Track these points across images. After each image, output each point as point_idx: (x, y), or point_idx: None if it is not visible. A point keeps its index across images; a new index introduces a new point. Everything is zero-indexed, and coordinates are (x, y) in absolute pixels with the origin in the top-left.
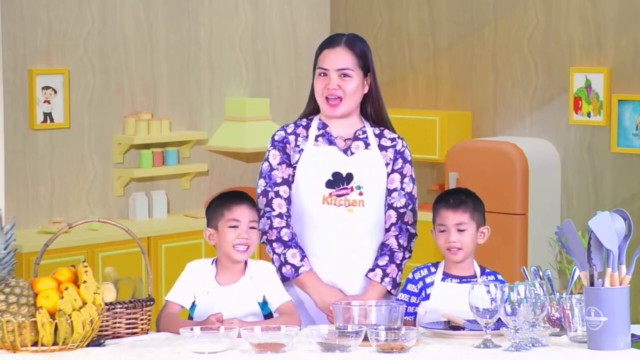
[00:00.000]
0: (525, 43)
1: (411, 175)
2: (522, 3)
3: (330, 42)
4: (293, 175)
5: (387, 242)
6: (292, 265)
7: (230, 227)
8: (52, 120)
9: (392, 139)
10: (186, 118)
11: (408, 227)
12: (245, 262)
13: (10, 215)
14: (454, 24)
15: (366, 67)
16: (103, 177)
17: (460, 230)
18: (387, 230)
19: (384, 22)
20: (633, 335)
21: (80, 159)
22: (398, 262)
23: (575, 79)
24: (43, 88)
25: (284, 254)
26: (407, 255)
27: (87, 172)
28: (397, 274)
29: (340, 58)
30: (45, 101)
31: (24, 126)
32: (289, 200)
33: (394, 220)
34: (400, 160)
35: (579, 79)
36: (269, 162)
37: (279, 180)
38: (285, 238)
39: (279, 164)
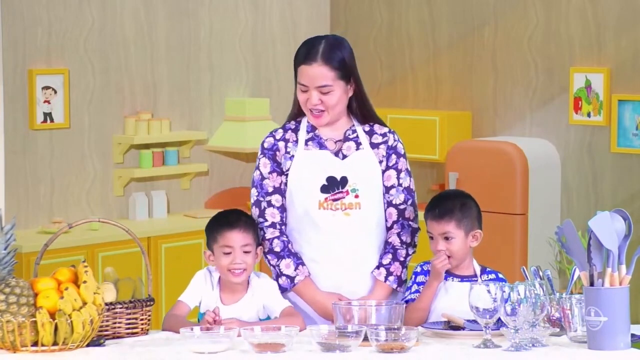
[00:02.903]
0: (525, 43)
1: (407, 169)
2: (522, 3)
3: (306, 56)
4: (285, 183)
5: (389, 240)
6: (287, 276)
7: (224, 253)
8: (52, 120)
9: (383, 134)
10: (186, 118)
11: (410, 222)
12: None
13: (10, 215)
14: (454, 24)
15: (347, 75)
16: (103, 177)
17: (446, 239)
18: (390, 228)
19: (384, 22)
20: (633, 335)
21: (80, 159)
22: (401, 259)
23: (575, 79)
24: (43, 88)
25: (278, 265)
26: (410, 252)
27: (87, 172)
28: (401, 272)
29: (318, 76)
30: (45, 101)
31: (24, 126)
32: (282, 209)
33: (395, 217)
34: (394, 156)
35: (579, 79)
36: (259, 170)
37: (270, 190)
38: (277, 249)
39: (270, 172)
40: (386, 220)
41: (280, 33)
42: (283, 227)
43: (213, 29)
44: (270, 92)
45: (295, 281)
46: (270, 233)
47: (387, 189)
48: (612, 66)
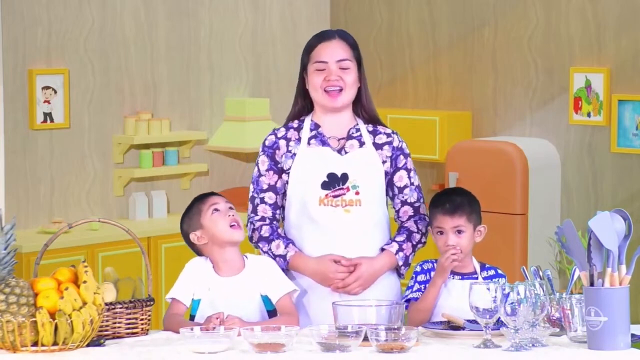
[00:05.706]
0: (525, 43)
1: (414, 168)
2: (522, 3)
3: (323, 37)
4: (286, 182)
5: (405, 225)
6: (280, 256)
7: (213, 212)
8: (52, 120)
9: (388, 135)
10: (186, 118)
11: (425, 216)
12: (244, 258)
13: (10, 215)
14: (454, 24)
15: (359, 59)
16: (103, 177)
17: (458, 232)
18: (407, 220)
19: (384, 22)
20: (633, 335)
21: (80, 159)
22: (414, 242)
23: (575, 79)
24: (43, 88)
25: (270, 249)
26: (423, 240)
27: (87, 172)
28: (410, 253)
29: (338, 49)
30: (45, 101)
31: (24, 126)
32: (274, 206)
33: (411, 213)
34: (402, 157)
35: (579, 79)
36: (258, 167)
37: (265, 187)
38: (266, 234)
39: (267, 170)
40: (400, 217)
41: (280, 33)
42: (274, 222)
43: (213, 29)
44: (270, 92)
45: (288, 258)
46: (258, 224)
47: (401, 189)
48: (612, 66)
